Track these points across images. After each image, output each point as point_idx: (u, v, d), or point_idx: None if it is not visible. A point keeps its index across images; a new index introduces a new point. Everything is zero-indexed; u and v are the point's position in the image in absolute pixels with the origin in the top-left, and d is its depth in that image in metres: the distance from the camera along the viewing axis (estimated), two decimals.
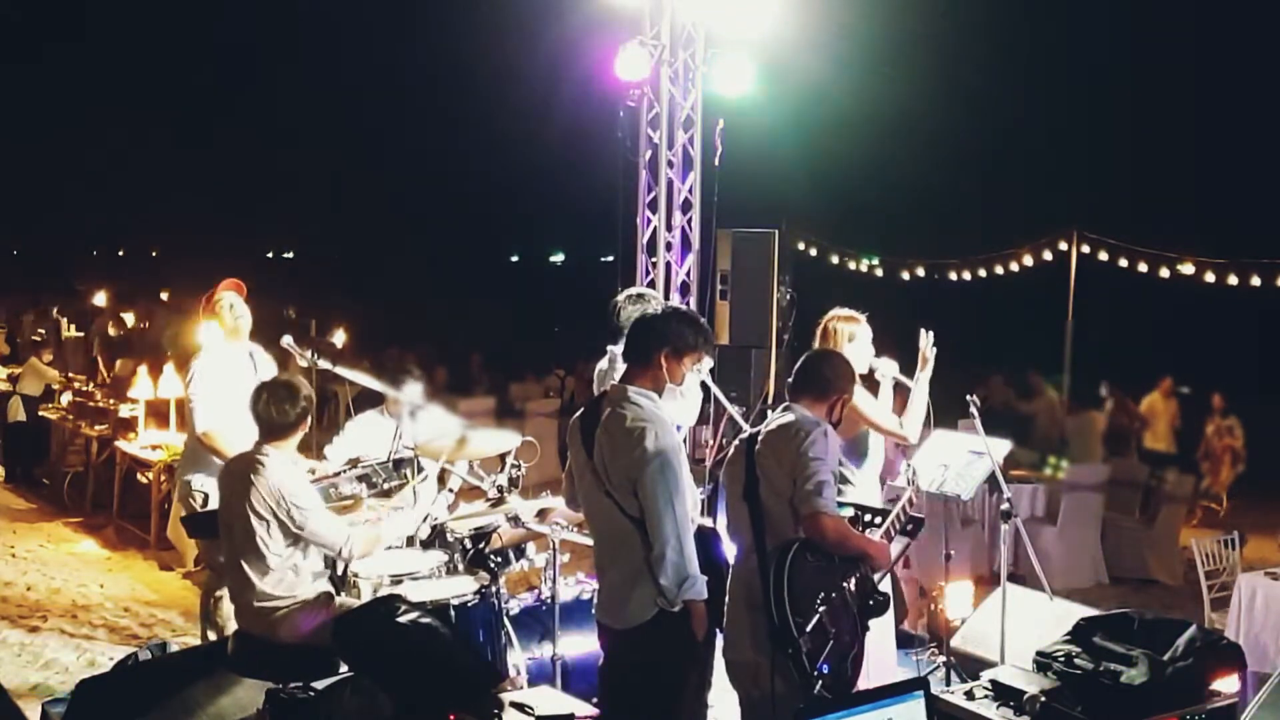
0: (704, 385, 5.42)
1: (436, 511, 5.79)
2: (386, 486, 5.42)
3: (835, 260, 20.88)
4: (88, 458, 10.58)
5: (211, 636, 5.94)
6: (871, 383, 5.57)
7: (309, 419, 4.80)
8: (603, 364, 5.67)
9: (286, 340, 6.15)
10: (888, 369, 5.57)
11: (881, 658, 5.46)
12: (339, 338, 16.47)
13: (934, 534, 6.53)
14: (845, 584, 4.06)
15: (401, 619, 4.44)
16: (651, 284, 7.33)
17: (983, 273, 19.59)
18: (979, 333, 21.15)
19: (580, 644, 5.04)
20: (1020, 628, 5.58)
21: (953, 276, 20.23)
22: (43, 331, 17.10)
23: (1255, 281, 16.86)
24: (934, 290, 20.92)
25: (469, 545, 5.39)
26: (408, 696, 4.41)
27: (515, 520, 5.23)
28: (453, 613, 4.83)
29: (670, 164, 7.43)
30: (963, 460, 5.77)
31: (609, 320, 5.57)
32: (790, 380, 4.33)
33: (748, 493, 4.10)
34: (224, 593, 5.72)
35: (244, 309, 6.21)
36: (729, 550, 4.33)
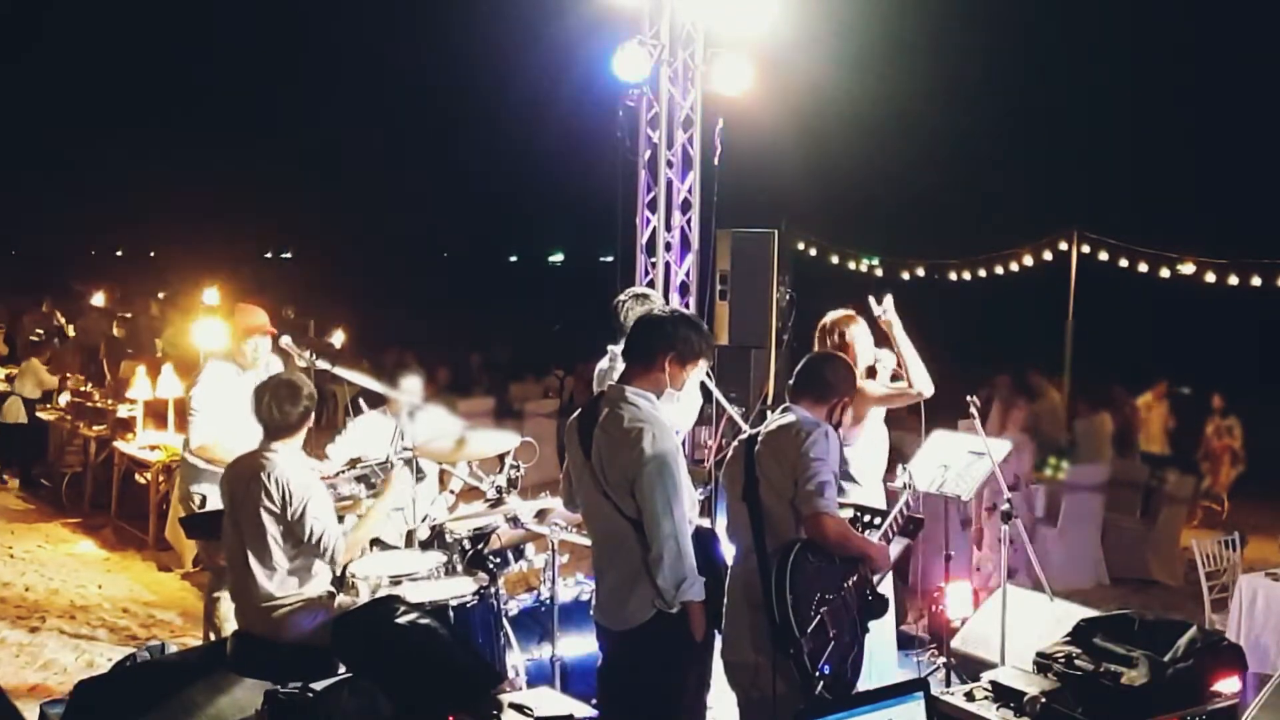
0: (703, 386, 5.42)
1: (436, 512, 5.79)
2: None
3: (835, 260, 20.87)
4: (86, 458, 10.57)
5: (212, 637, 5.93)
6: (872, 374, 5.62)
7: (311, 417, 4.80)
8: (603, 363, 5.66)
9: (285, 340, 6.15)
10: (888, 361, 5.61)
11: (882, 659, 5.46)
12: (338, 338, 16.47)
13: (933, 535, 6.53)
14: (845, 585, 4.06)
15: (400, 620, 4.43)
16: (651, 284, 7.32)
17: (983, 273, 19.58)
18: (979, 333, 21.18)
19: (579, 645, 5.03)
20: (1020, 629, 5.57)
21: (953, 276, 20.22)
22: (41, 331, 17.09)
23: (1255, 281, 16.86)
24: (934, 290, 20.91)
25: (468, 546, 5.39)
26: (407, 698, 4.40)
27: (514, 521, 5.22)
28: (451, 614, 4.82)
29: (670, 164, 7.42)
30: (962, 461, 5.77)
31: (613, 320, 5.56)
32: (791, 382, 4.33)
33: (747, 493, 4.10)
34: (223, 594, 5.72)
35: (266, 348, 6.16)
36: (728, 552, 4.32)
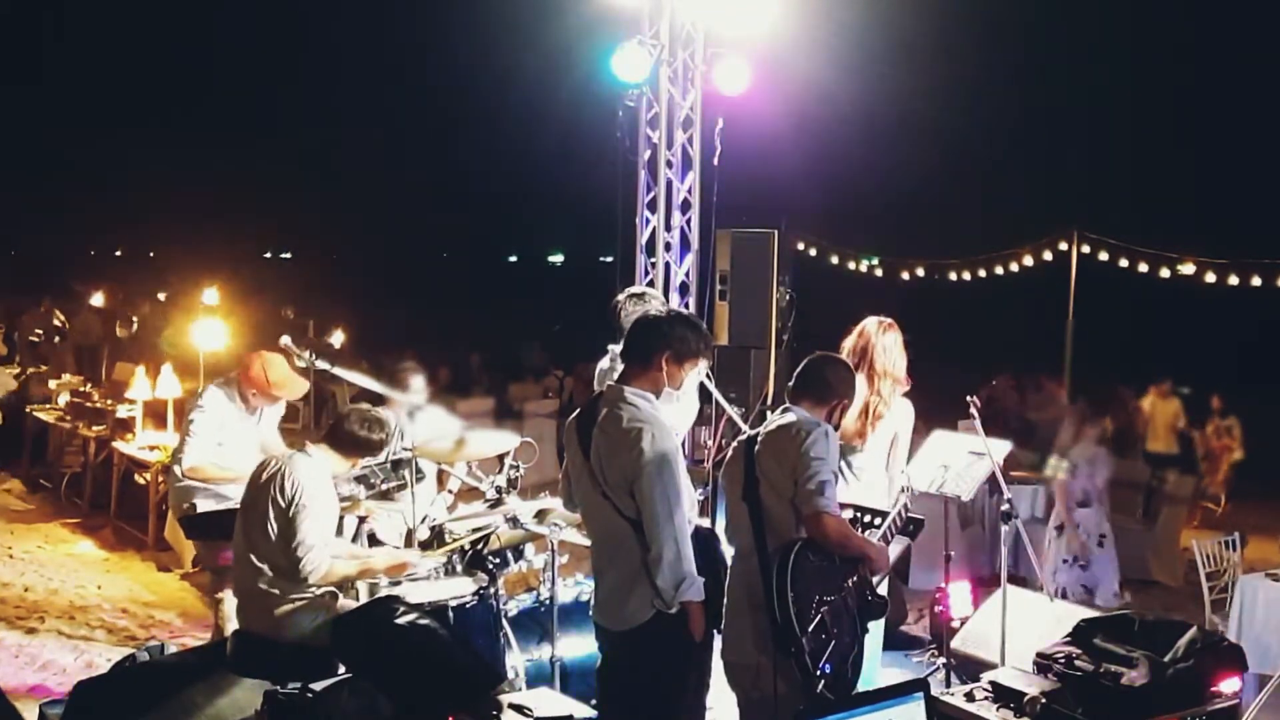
0: (703, 387, 5.41)
1: (435, 512, 5.78)
2: (384, 488, 5.41)
3: (835, 260, 20.86)
4: (86, 458, 10.56)
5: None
6: None
7: (362, 457, 4.83)
8: (604, 363, 5.65)
9: (285, 340, 6.13)
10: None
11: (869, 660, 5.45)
12: (337, 338, 16.48)
13: (933, 535, 6.51)
14: (846, 584, 4.06)
15: (400, 620, 4.43)
16: (651, 284, 7.31)
17: (983, 273, 19.58)
18: (979, 333, 21.18)
19: (579, 645, 5.02)
20: (1020, 629, 5.56)
21: (953, 276, 20.22)
22: (40, 331, 17.09)
23: (1255, 281, 16.86)
24: (934, 290, 20.91)
25: (467, 546, 5.38)
26: (406, 698, 4.40)
27: (514, 521, 5.21)
28: (451, 614, 4.81)
29: (669, 164, 7.42)
30: (963, 461, 5.76)
31: (611, 319, 5.55)
32: (791, 382, 4.32)
33: (747, 493, 4.09)
34: (224, 594, 5.71)
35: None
36: (727, 552, 4.32)
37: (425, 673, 4.38)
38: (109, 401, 10.52)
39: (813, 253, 20.35)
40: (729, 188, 7.51)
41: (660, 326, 4.17)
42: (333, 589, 4.76)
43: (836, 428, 4.26)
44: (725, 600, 4.13)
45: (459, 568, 5.27)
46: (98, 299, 19.79)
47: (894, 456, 5.46)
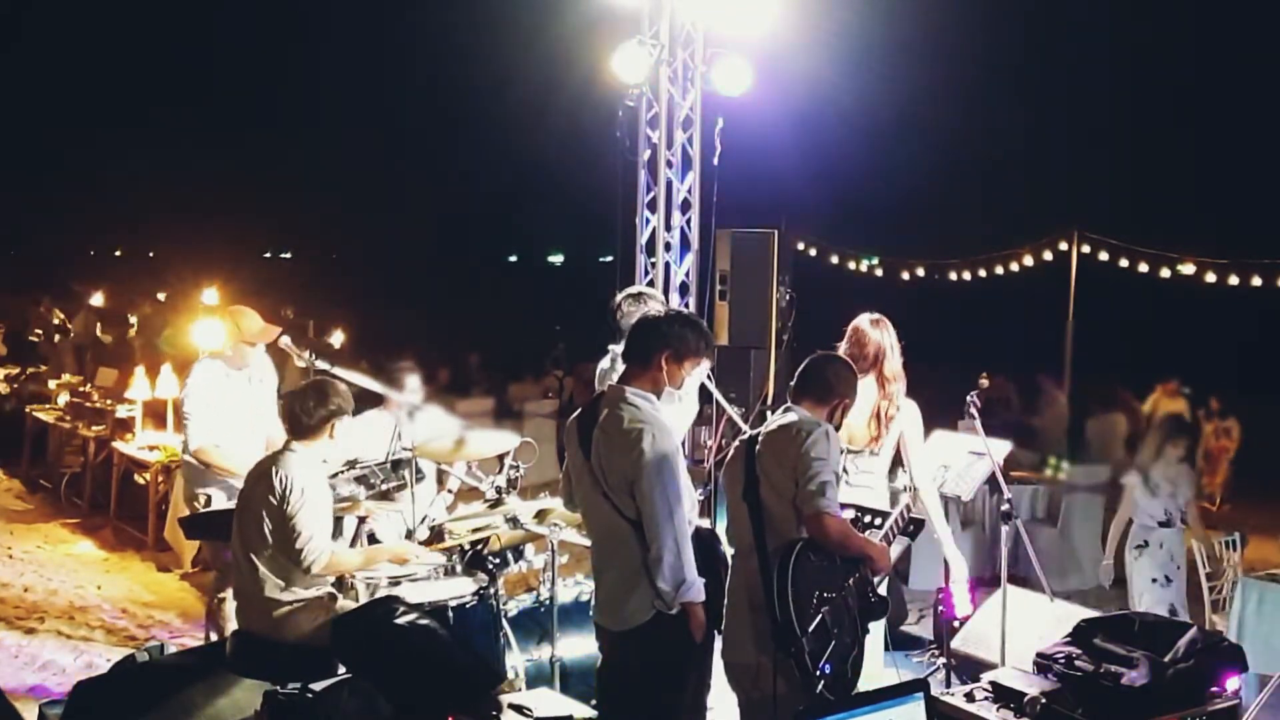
0: (702, 387, 5.41)
1: (435, 512, 5.78)
2: (384, 488, 5.40)
3: (835, 260, 20.87)
4: (85, 458, 10.56)
5: (214, 637, 5.92)
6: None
7: (335, 424, 4.79)
8: (604, 363, 5.65)
9: (284, 340, 6.13)
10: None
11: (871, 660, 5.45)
12: (337, 338, 16.45)
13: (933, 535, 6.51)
14: (847, 585, 4.05)
15: (399, 620, 4.43)
16: (651, 284, 7.31)
17: (983, 273, 19.59)
18: (979, 333, 21.17)
19: (579, 646, 5.02)
20: (1020, 629, 5.56)
21: (953, 276, 20.22)
22: (40, 332, 17.08)
23: (1255, 281, 16.87)
24: (934, 290, 20.91)
25: (467, 546, 5.37)
26: (406, 698, 4.40)
27: (514, 521, 5.21)
28: (451, 614, 4.81)
29: (669, 164, 7.41)
30: (963, 461, 5.75)
31: (610, 320, 5.55)
32: (792, 382, 4.32)
33: (747, 493, 4.09)
34: (227, 594, 5.71)
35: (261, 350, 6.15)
36: (728, 552, 4.31)
37: (425, 673, 4.37)
38: (109, 401, 10.52)
39: (813, 253, 20.36)
40: (729, 188, 7.51)
41: (660, 326, 4.18)
42: (332, 589, 4.76)
43: (838, 427, 4.26)
44: (726, 600, 4.13)
45: (459, 568, 5.27)
46: (97, 299, 19.78)
47: (909, 459, 5.45)
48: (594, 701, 4.35)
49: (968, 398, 5.76)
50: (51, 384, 12.84)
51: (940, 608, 6.16)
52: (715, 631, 4.14)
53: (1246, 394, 13.86)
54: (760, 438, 4.15)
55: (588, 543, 4.36)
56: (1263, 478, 12.59)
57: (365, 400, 6.20)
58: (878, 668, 5.25)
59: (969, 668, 5.76)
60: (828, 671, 3.87)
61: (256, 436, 5.94)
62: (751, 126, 7.90)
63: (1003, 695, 4.14)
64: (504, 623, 5.06)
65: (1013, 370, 13.84)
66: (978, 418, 5.70)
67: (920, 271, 20.87)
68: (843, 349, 5.39)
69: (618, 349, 5.26)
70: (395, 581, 5.01)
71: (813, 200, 24.52)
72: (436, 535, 5.46)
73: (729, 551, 4.29)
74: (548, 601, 5.00)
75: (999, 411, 11.47)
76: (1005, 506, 5.69)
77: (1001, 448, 5.88)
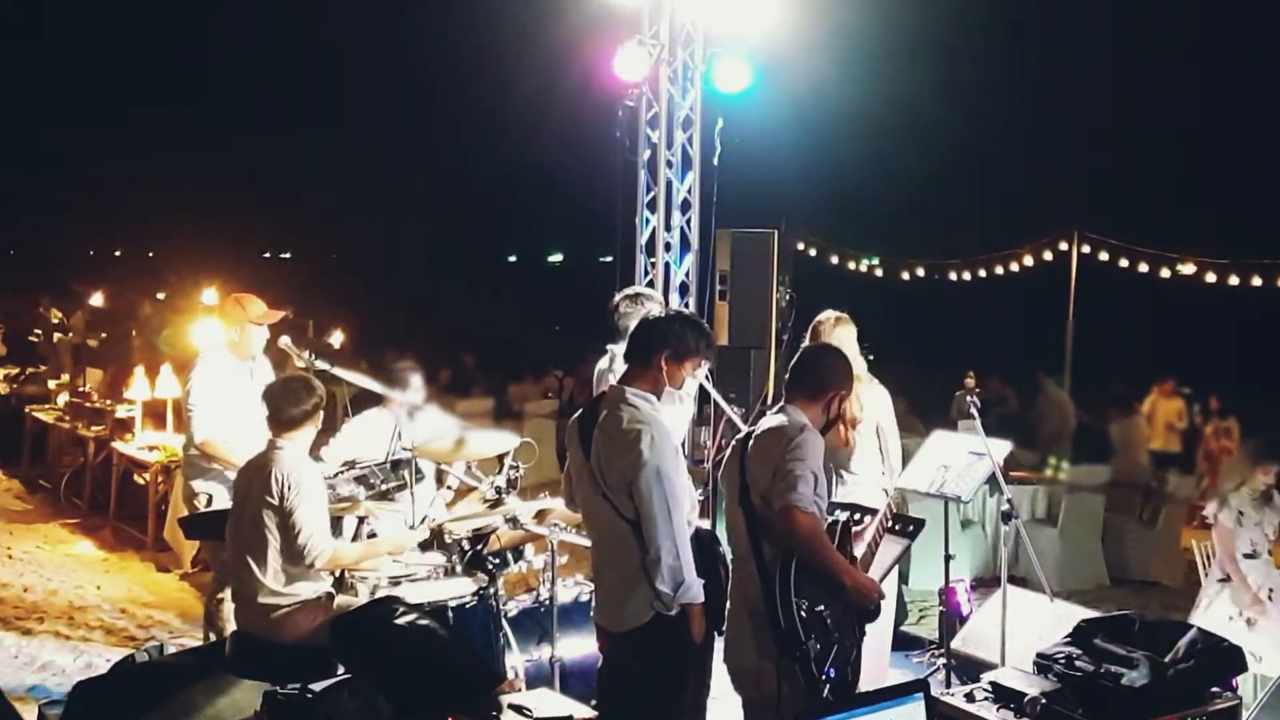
0: (702, 387, 5.41)
1: (435, 512, 5.77)
2: (384, 488, 5.40)
3: (835, 260, 20.86)
4: (85, 458, 10.55)
5: (213, 638, 5.91)
6: None
7: (320, 415, 4.81)
8: (603, 363, 5.66)
9: (284, 341, 6.13)
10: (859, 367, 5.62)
11: (877, 661, 5.45)
12: (336, 338, 16.45)
13: (933, 535, 6.51)
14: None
15: (399, 621, 4.43)
16: (650, 284, 7.31)
17: (983, 273, 19.58)
18: (979, 333, 21.16)
19: (579, 646, 5.02)
20: (1021, 629, 5.56)
21: (953, 276, 20.21)
22: (39, 332, 17.08)
23: (1255, 281, 16.87)
24: (934, 290, 20.91)
25: (467, 547, 5.37)
26: (406, 699, 4.40)
27: (513, 522, 5.21)
28: (451, 615, 4.81)
29: (669, 164, 7.41)
30: (963, 461, 5.76)
31: (608, 320, 5.55)
32: (786, 379, 4.29)
33: (742, 498, 4.05)
34: (226, 595, 5.70)
35: (264, 337, 6.15)
36: (728, 553, 4.30)
37: (425, 673, 4.37)
38: (108, 401, 10.52)
39: (813, 253, 20.35)
40: (729, 188, 7.51)
41: (659, 326, 4.17)
42: (331, 590, 4.76)
43: (837, 419, 4.23)
44: (726, 603, 4.11)
45: (459, 568, 5.26)
46: (97, 299, 19.79)
47: (887, 447, 5.46)
48: (594, 702, 4.35)
49: (968, 399, 5.77)
50: (51, 384, 12.85)
51: (943, 608, 6.15)
52: (716, 632, 4.13)
53: (1246, 394, 13.84)
54: (751, 441, 4.11)
55: (588, 543, 4.36)
56: None
57: (365, 400, 6.21)
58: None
59: (969, 668, 5.76)
60: (832, 676, 3.85)
61: (259, 432, 5.93)
62: (751, 126, 7.91)
63: (1003, 695, 4.14)
64: (504, 623, 5.05)
65: (1013, 370, 13.84)
66: (978, 418, 5.71)
67: (920, 271, 20.86)
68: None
69: (616, 349, 5.27)
70: (395, 581, 5.01)
71: (813, 200, 24.51)
72: (436, 535, 5.46)
73: (728, 553, 4.27)
74: (548, 601, 5.00)
75: (992, 410, 11.48)
76: (1005, 506, 5.70)
77: (1001, 448, 5.88)
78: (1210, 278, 17.28)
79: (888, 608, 5.56)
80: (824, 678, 3.82)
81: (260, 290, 6.37)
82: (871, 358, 5.84)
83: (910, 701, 2.92)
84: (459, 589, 4.99)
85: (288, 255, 49.89)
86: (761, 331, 6.98)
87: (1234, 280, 17.06)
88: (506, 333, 22.83)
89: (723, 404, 5.69)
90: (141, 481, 9.54)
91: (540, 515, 5.22)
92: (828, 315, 5.78)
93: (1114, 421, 11.91)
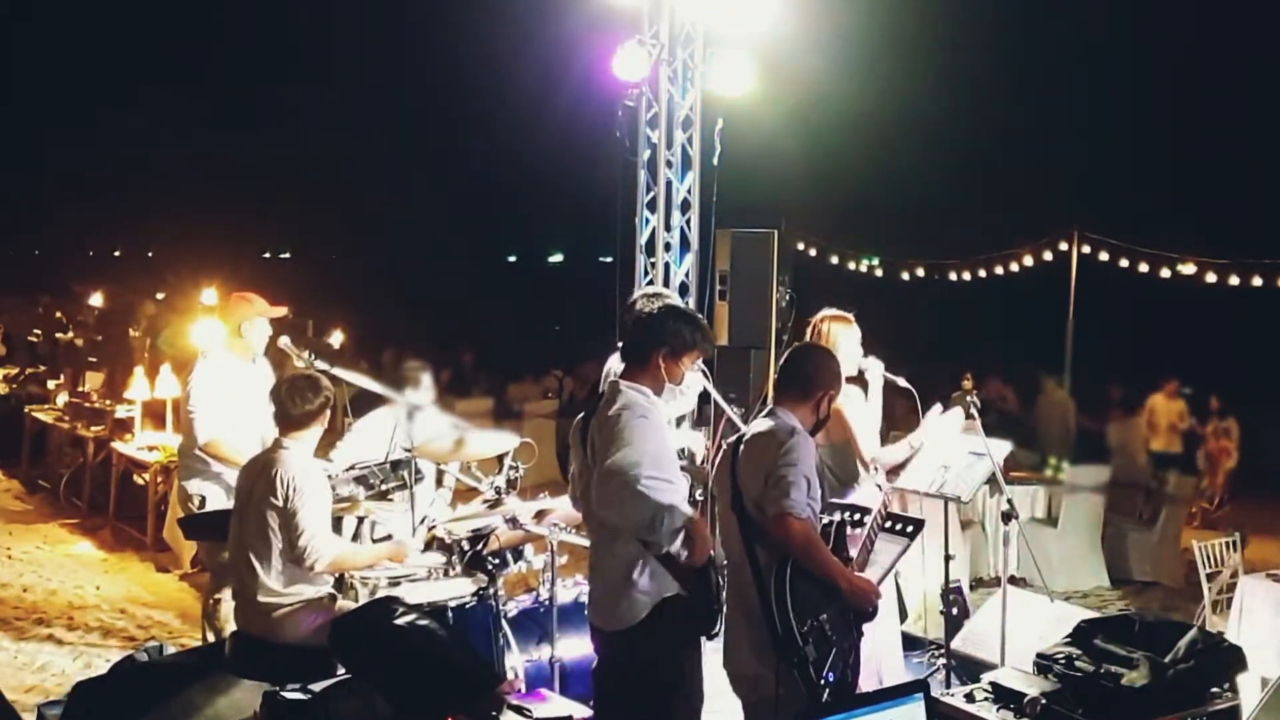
0: (702, 390, 5.40)
1: (434, 512, 5.77)
2: (384, 488, 5.40)
3: (835, 260, 20.85)
4: (85, 459, 10.55)
5: (211, 638, 5.91)
6: (862, 382, 5.57)
7: (326, 415, 4.81)
8: (611, 362, 5.63)
9: (284, 341, 6.13)
10: (875, 369, 5.58)
11: (892, 664, 5.45)
12: (336, 338, 16.45)
13: (933, 535, 6.50)
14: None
15: (399, 621, 4.43)
16: (651, 284, 7.30)
17: (983, 273, 19.57)
18: (979, 333, 21.16)
19: (578, 647, 5.01)
20: (1020, 629, 5.56)
21: (953, 276, 20.20)
22: (39, 332, 17.08)
23: (1255, 281, 16.86)
24: (934, 290, 20.89)
25: (467, 547, 5.37)
26: (405, 699, 4.40)
27: (513, 522, 5.21)
28: (450, 615, 4.81)
29: (669, 164, 7.41)
30: (963, 461, 5.75)
31: (623, 318, 5.52)
32: (775, 380, 4.27)
33: (735, 504, 4.03)
34: (223, 595, 5.70)
35: (265, 333, 6.15)
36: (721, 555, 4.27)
37: (424, 673, 4.37)
38: (108, 402, 10.52)
39: (813, 253, 20.35)
40: (729, 188, 7.50)
41: (652, 324, 4.11)
42: (331, 590, 4.76)
43: (827, 418, 4.22)
44: (720, 607, 4.08)
45: (458, 568, 5.26)
46: (97, 299, 19.78)
47: (856, 438, 5.43)
48: (592, 702, 4.34)
49: (967, 399, 5.77)
50: (51, 384, 12.84)
51: (947, 608, 6.14)
52: (705, 638, 4.09)
53: (1246, 394, 13.85)
54: (741, 446, 4.09)
55: (587, 543, 4.35)
56: (1263, 478, 12.59)
57: (365, 400, 6.20)
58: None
59: (969, 668, 5.76)
60: (831, 679, 3.83)
61: (260, 432, 5.93)
62: (751, 126, 7.90)
63: (1003, 696, 4.14)
64: (503, 623, 5.05)
65: (1014, 371, 13.84)
66: (978, 418, 5.71)
67: (920, 271, 20.85)
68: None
69: None
70: (395, 582, 5.01)
71: (813, 200, 24.49)
72: (436, 536, 5.46)
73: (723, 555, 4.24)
74: (547, 602, 5.00)
75: (992, 409, 11.48)
76: (1005, 506, 5.70)
77: (1001, 448, 5.87)
78: (1210, 278, 17.27)
79: (890, 607, 5.58)
80: (823, 682, 3.81)
81: (260, 290, 6.37)
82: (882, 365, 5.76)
83: (910, 702, 2.92)
84: (459, 589, 4.98)
85: (287, 255, 49.86)
86: (761, 332, 6.97)
87: (1234, 280, 17.05)
88: (506, 333, 22.83)
89: (723, 404, 5.68)
90: (141, 482, 9.55)
91: (540, 515, 5.21)
92: (821, 314, 5.73)
93: (1113, 422, 11.93)
